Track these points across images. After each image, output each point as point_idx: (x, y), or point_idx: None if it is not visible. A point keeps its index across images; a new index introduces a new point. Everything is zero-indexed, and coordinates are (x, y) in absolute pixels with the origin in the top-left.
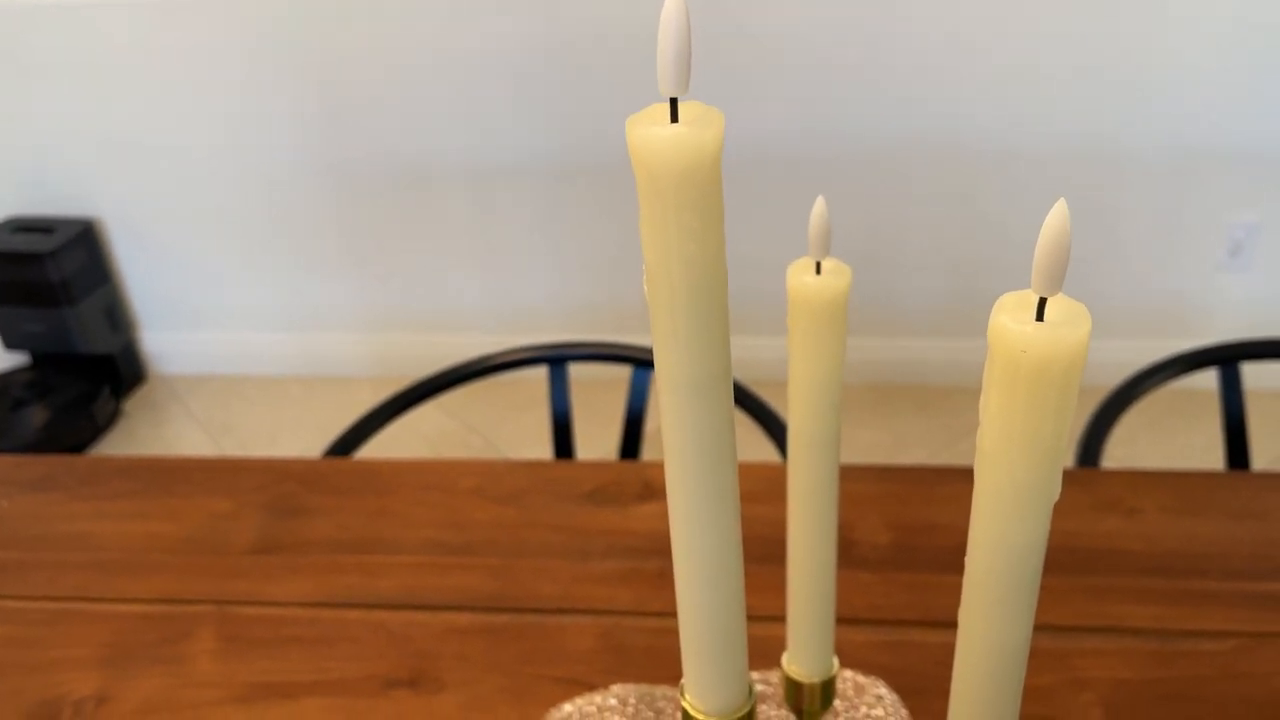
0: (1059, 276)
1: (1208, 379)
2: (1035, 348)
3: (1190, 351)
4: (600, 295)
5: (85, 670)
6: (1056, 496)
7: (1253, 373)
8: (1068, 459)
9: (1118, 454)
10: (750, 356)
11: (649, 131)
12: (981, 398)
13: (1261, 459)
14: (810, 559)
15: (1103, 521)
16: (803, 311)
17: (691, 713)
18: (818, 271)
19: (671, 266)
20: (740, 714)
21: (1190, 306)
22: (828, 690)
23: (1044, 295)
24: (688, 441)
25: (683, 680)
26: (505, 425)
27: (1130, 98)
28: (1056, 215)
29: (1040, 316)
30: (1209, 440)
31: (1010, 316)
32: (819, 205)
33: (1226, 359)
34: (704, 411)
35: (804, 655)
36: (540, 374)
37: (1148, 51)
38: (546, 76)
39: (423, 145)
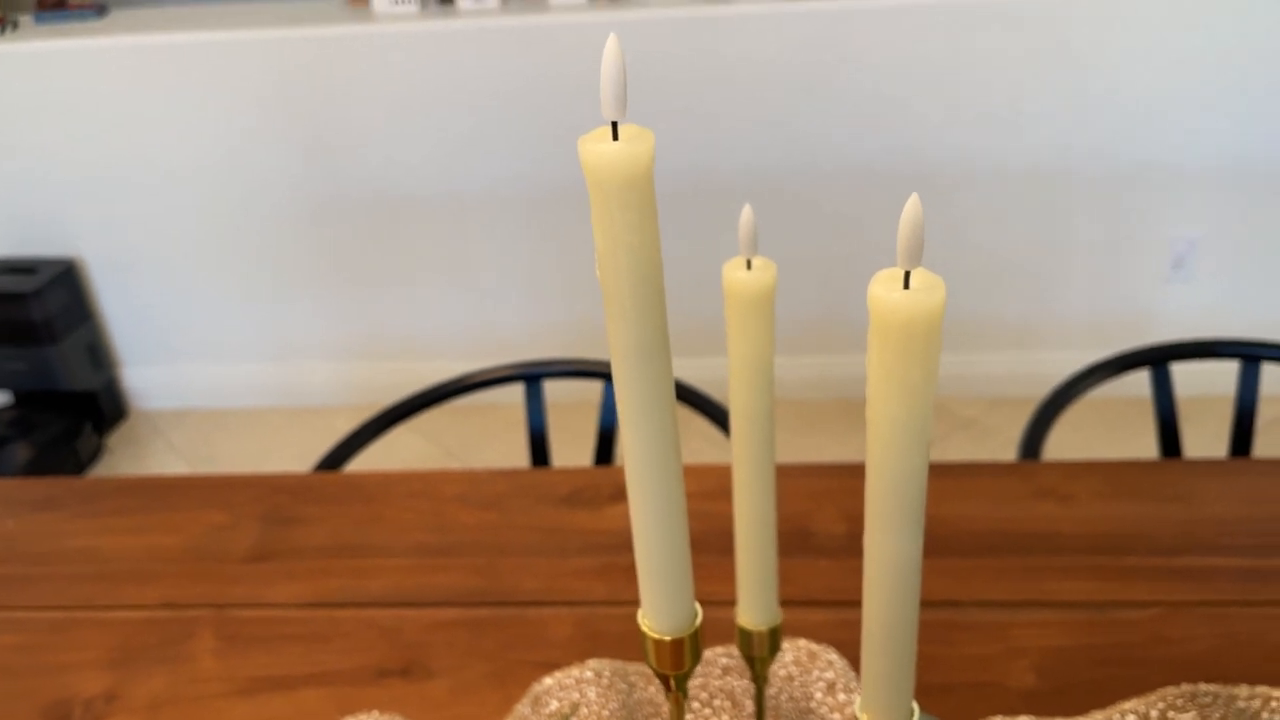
0: (917, 253)
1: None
2: (901, 311)
3: (1120, 355)
4: (571, 318)
5: (94, 671)
6: (930, 433)
7: (1191, 379)
8: (1009, 454)
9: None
10: (720, 376)
11: (596, 147)
12: (866, 354)
13: (1194, 454)
14: (753, 522)
15: (1039, 507)
16: (737, 302)
17: (648, 633)
18: (748, 268)
19: (617, 254)
20: (687, 632)
21: (1136, 318)
22: (774, 637)
23: (907, 269)
24: (633, 398)
25: (640, 609)
26: (483, 449)
27: (1075, 120)
28: (911, 206)
29: (906, 286)
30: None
31: (882, 287)
32: (746, 212)
33: (1155, 360)
34: (648, 370)
35: (752, 606)
36: (516, 401)
37: (1095, 71)
38: (512, 111)
39: (395, 177)
